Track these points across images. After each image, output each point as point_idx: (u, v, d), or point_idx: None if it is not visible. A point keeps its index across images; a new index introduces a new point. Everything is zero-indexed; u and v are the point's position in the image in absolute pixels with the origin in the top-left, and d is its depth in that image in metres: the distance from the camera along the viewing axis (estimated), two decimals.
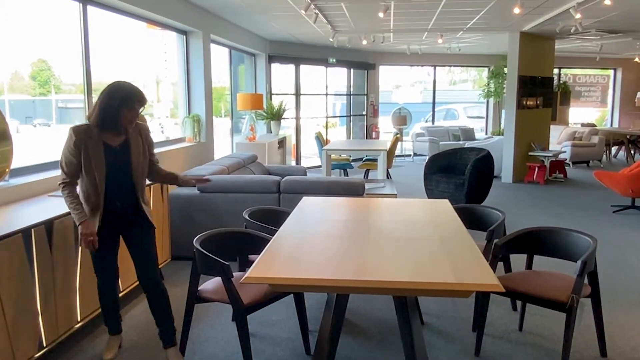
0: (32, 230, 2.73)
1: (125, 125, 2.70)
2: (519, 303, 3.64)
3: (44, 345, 2.85)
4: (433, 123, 14.21)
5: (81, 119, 4.57)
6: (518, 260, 3.60)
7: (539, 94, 9.79)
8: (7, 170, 3.27)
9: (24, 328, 2.68)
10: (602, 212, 6.94)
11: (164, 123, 6.96)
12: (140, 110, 2.72)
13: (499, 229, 3.42)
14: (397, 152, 11.31)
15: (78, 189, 2.74)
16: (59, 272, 2.94)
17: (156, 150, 3.20)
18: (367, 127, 12.89)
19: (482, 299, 3.07)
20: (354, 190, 4.69)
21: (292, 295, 3.02)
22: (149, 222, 2.87)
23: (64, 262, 3.00)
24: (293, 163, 10.48)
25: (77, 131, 2.65)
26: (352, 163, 9.15)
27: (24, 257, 2.66)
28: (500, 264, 3.35)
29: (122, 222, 2.82)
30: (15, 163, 3.36)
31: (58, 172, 3.82)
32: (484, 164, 6.67)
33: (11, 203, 3.27)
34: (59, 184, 2.70)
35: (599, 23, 7.87)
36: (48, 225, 2.86)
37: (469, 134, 13.03)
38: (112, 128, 2.67)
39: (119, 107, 2.62)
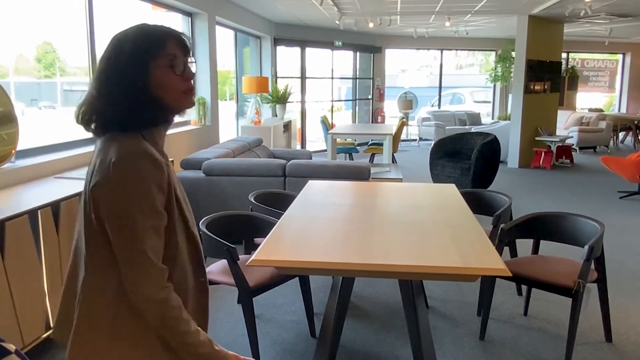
0: (39, 211, 2.73)
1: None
2: (524, 288, 3.64)
3: (51, 325, 2.88)
4: (439, 107, 14.11)
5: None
6: (524, 245, 3.59)
7: (546, 78, 9.69)
8: (13, 152, 3.27)
9: (32, 308, 2.70)
10: (609, 197, 6.90)
11: None
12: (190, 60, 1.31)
13: (506, 214, 3.41)
14: (403, 136, 11.27)
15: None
16: (65, 253, 2.95)
17: None
18: (372, 111, 12.81)
19: (488, 283, 3.07)
20: (360, 174, 4.67)
21: (297, 278, 3.03)
22: None
23: (70, 244, 3.00)
24: (298, 147, 10.45)
25: (153, 155, 1.22)
26: (357, 147, 9.12)
27: (30, 238, 2.67)
28: (506, 249, 3.34)
29: None
30: (21, 145, 3.36)
31: (65, 155, 3.70)
32: (490, 148, 6.63)
33: (17, 184, 3.28)
34: (158, 291, 1.20)
35: (608, 6, 7.74)
36: (54, 207, 2.86)
37: (475, 118, 12.93)
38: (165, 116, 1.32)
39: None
